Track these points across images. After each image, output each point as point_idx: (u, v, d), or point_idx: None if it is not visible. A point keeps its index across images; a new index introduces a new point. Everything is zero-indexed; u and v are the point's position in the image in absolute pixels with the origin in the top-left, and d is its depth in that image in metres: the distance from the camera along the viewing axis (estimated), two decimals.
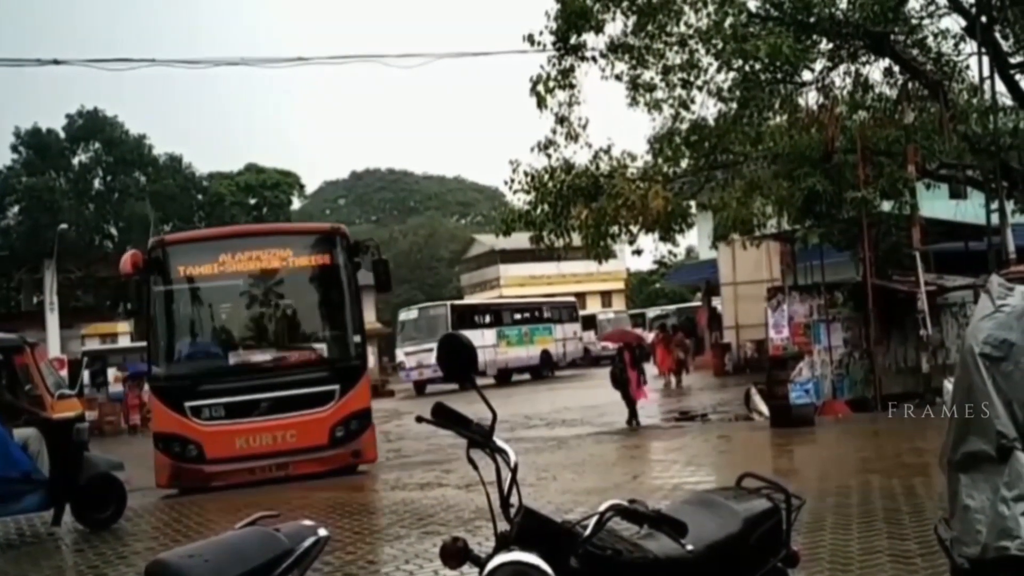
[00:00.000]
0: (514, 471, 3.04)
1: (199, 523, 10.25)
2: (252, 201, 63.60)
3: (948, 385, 4.94)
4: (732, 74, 18.97)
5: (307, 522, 3.66)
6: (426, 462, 13.90)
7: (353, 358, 13.54)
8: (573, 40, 19.05)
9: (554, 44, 19.06)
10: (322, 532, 3.59)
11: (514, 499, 3.03)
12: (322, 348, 13.65)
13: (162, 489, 12.81)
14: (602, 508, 3.07)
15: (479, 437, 3.14)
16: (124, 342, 40.10)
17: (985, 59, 18.18)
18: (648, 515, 3.07)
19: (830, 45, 19.62)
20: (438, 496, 10.40)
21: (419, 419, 3.37)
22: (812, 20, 18.09)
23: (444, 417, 3.19)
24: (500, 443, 3.12)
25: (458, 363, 3.29)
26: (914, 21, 20.17)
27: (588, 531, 3.00)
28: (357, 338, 13.67)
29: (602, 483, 11.05)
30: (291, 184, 65.65)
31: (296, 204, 69.16)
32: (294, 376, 12.96)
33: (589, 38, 19.15)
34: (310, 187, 73.80)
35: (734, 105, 19.16)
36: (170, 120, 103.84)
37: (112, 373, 34.97)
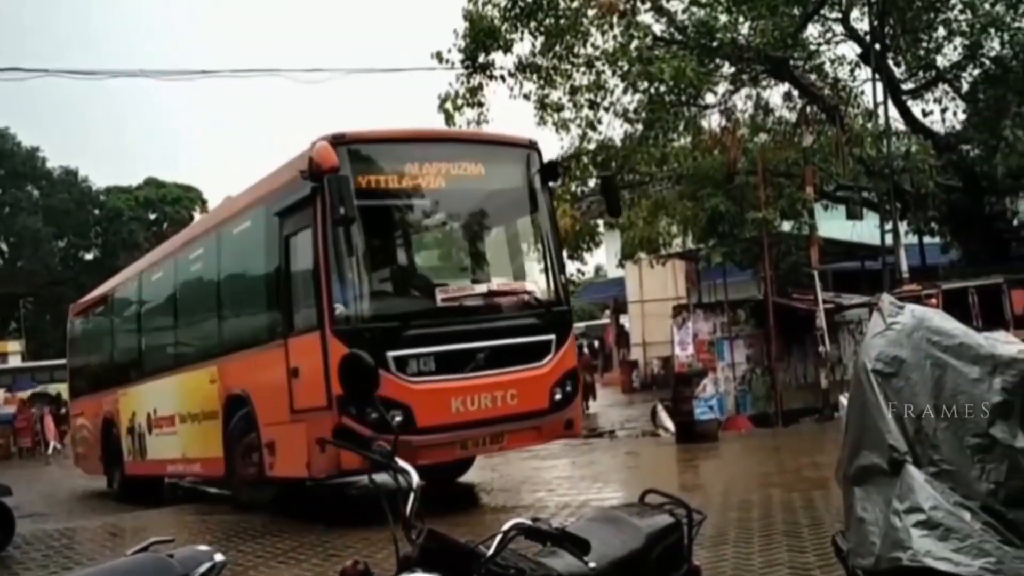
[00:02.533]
0: (416, 492, 3.01)
1: (92, 549, 9.88)
2: (152, 216, 62.08)
3: (843, 400, 5.07)
4: (638, 96, 19.36)
5: (203, 547, 3.56)
6: (347, 483, 13.62)
7: (563, 302, 11.11)
8: (481, 59, 19.23)
9: (462, 62, 19.21)
10: (219, 557, 3.49)
11: (415, 521, 2.99)
12: (534, 288, 10.90)
13: (319, 476, 10.28)
14: (505, 527, 3.05)
15: (381, 458, 3.11)
16: (15, 362, 38.61)
17: (879, 85, 18.88)
18: (551, 533, 3.06)
19: (732, 69, 20.17)
20: (347, 517, 10.23)
21: (319, 441, 3.30)
22: (715, 44, 18.55)
23: (345, 439, 3.14)
24: (402, 464, 3.09)
25: (360, 384, 3.25)
26: (812, 47, 20.89)
27: (491, 551, 2.97)
28: (563, 278, 11.40)
29: (509, 502, 11.03)
30: (193, 199, 64.23)
31: (198, 218, 67.72)
32: (510, 321, 10.31)
33: (497, 57, 19.38)
34: (213, 202, 72.46)
35: (640, 126, 19.55)
36: (65, 132, 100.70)
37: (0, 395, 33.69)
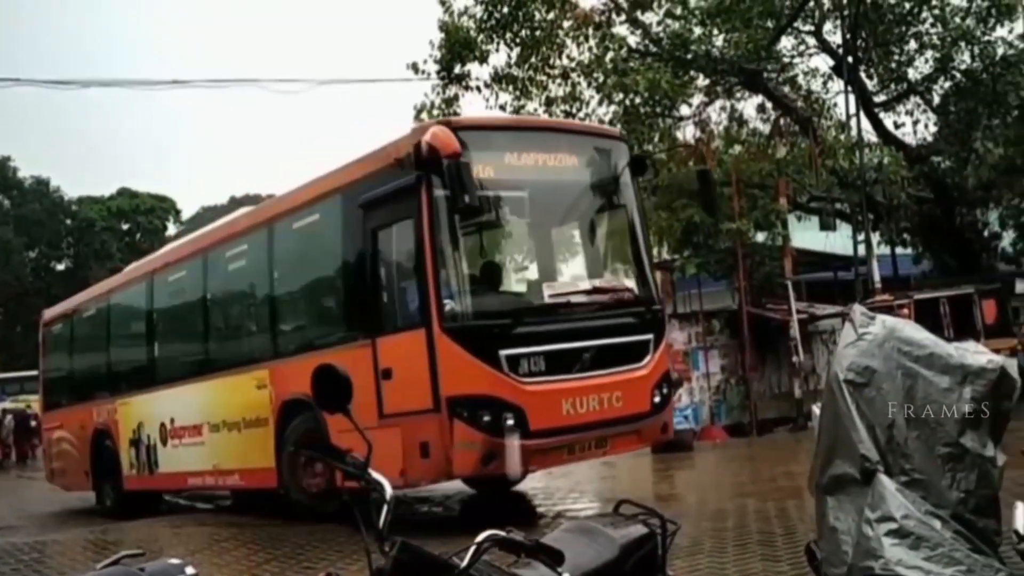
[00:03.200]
0: (390, 503, 3.00)
1: (62, 564, 9.77)
2: (125, 227, 61.53)
3: (816, 410, 5.10)
4: (613, 107, 19.47)
5: (174, 560, 3.52)
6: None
7: (658, 300, 10.59)
8: (457, 69, 19.25)
9: (438, 73, 19.23)
10: (190, 570, 3.45)
11: (388, 532, 2.98)
12: (632, 285, 10.34)
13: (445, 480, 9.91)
14: (479, 539, 3.04)
15: (354, 469, 3.10)
16: None
17: (851, 97, 19.07)
18: (525, 544, 3.05)
19: (707, 81, 20.32)
20: (320, 528, 10.16)
21: (292, 452, 3.29)
22: (689, 57, 18.69)
23: (318, 450, 3.13)
24: (376, 475, 3.08)
25: (334, 393, 3.24)
26: (786, 60, 21.11)
27: (465, 562, 2.96)
28: (657, 276, 10.94)
29: (483, 513, 11.00)
30: (167, 209, 63.75)
31: (172, 230, 67.28)
32: (613, 320, 9.73)
33: (473, 68, 19.41)
34: (187, 212, 71.88)
35: None
36: (37, 142, 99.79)
37: None
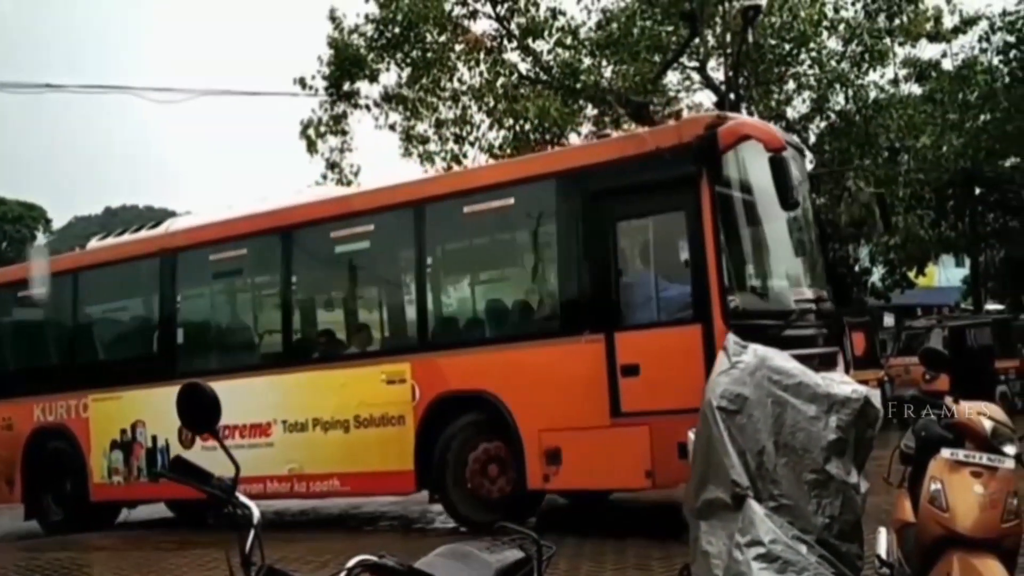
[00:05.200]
0: (257, 527, 2.91)
1: None
2: None
3: (691, 436, 5.19)
4: (503, 132, 19.58)
5: None
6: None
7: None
8: (346, 87, 19.09)
9: (327, 89, 19.03)
10: None
11: (256, 557, 2.89)
12: (825, 294, 10.03)
13: None
14: (350, 564, 2.98)
15: (220, 492, 2.99)
16: None
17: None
18: (397, 570, 3.01)
19: (595, 111, 20.65)
20: (190, 554, 9.83)
21: (153, 474, 3.17)
22: (579, 86, 18.99)
23: (182, 471, 3.01)
24: (243, 499, 2.98)
25: (199, 414, 3.12)
26: (671, 93, 21.65)
27: None
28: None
29: (360, 539, 10.79)
30: (36, 218, 61.15)
31: (42, 239, 64.49)
32: (825, 329, 9.50)
33: (363, 86, 19.29)
34: (58, 222, 69.22)
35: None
36: None
37: None
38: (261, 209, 11.83)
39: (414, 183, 11.71)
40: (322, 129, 19.22)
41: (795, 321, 8.85)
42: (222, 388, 9.68)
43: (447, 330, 10.47)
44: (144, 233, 12.88)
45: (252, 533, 2.90)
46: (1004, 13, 20.75)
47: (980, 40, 21.25)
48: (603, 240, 9.10)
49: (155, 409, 11.38)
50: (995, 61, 21.13)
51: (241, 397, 10.76)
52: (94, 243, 13.61)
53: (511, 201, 9.90)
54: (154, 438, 11.71)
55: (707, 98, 21.90)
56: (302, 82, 18.89)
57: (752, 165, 8.86)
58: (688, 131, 8.74)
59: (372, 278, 11.61)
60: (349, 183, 19.19)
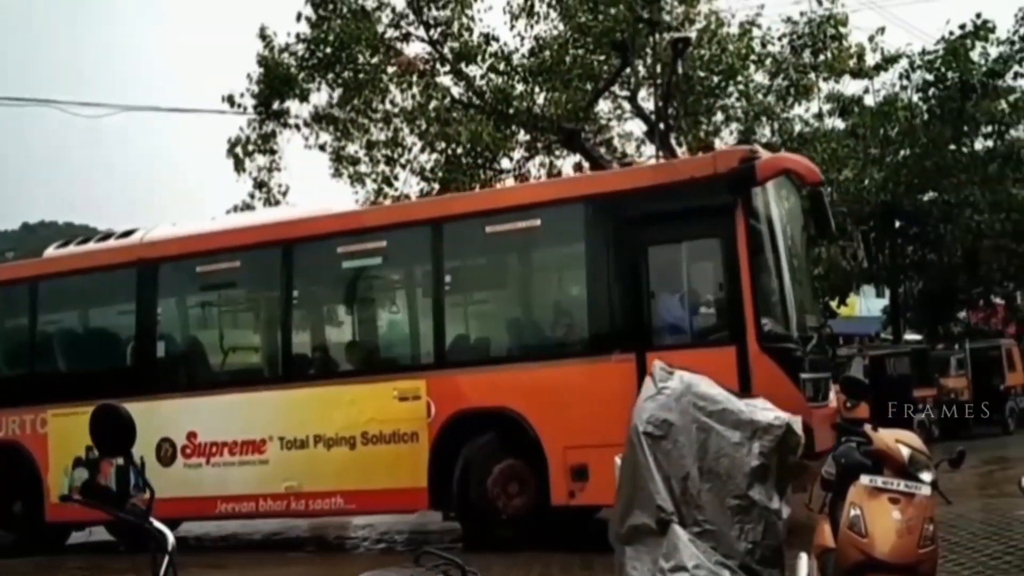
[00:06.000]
0: (171, 553, 2.83)
1: None
2: None
3: (618, 461, 5.21)
4: (435, 155, 19.57)
5: None
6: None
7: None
8: (276, 106, 18.89)
9: (255, 108, 18.80)
10: None
11: None
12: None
13: None
14: None
15: (134, 518, 2.91)
16: None
17: (662, 162, 19.92)
18: None
19: (527, 136, 20.76)
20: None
21: (63, 498, 3.07)
22: (511, 112, 19.06)
23: (93, 495, 2.91)
24: (157, 524, 2.91)
25: (114, 437, 3.03)
26: (603, 122, 21.88)
27: None
28: None
29: (284, 566, 10.57)
30: None
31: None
32: (826, 352, 10.24)
33: (293, 105, 19.10)
34: None
35: (436, 185, 19.71)
36: None
37: None
38: (260, 221, 11.74)
39: (434, 201, 12.11)
40: (250, 148, 18.98)
41: (813, 345, 9.47)
42: (209, 404, 9.83)
43: (467, 348, 10.48)
44: (115, 242, 12.33)
45: (167, 559, 2.83)
46: (923, 52, 21.47)
47: (901, 77, 21.94)
48: (635, 263, 9.41)
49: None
50: (915, 98, 21.83)
51: (231, 413, 10.82)
52: (52, 251, 12.93)
53: (537, 222, 10.09)
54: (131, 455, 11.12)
55: (637, 128, 22.21)
56: (230, 100, 18.65)
57: (775, 197, 9.38)
58: (723, 163, 9.20)
59: (384, 295, 11.57)
60: (277, 203, 18.98)
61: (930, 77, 21.11)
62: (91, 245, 12.53)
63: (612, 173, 10.16)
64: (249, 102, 18.82)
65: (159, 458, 10.94)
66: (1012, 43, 20.98)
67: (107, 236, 12.65)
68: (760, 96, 20.59)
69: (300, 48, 18.65)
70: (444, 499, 9.93)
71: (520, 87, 19.47)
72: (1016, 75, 21.58)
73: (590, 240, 9.85)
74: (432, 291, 10.51)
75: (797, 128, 20.67)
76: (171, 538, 2.87)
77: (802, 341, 9.30)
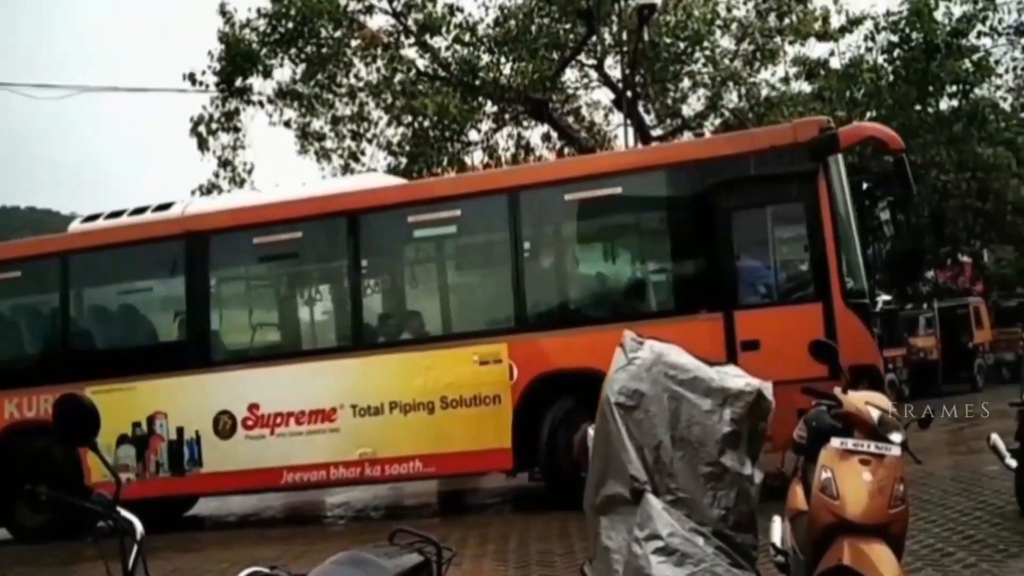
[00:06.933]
0: (140, 543, 2.81)
1: None
2: None
3: (591, 432, 5.22)
4: (401, 129, 19.43)
5: None
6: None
7: None
8: (238, 83, 18.64)
9: (218, 85, 18.54)
10: None
11: (140, 573, 2.80)
12: None
13: None
14: (241, 575, 2.91)
15: (101, 508, 2.88)
16: None
17: (631, 131, 19.93)
18: None
19: (495, 108, 20.66)
20: (70, 570, 9.48)
21: (27, 492, 3.04)
22: (478, 83, 18.96)
23: (57, 487, 2.89)
24: (125, 513, 2.88)
25: (77, 426, 3.00)
26: (570, 91, 21.80)
27: None
28: None
29: (258, 546, 10.53)
30: None
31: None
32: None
33: (256, 82, 18.87)
34: None
35: (404, 159, 19.60)
36: None
37: None
38: (321, 192, 11.97)
39: (512, 170, 13.10)
40: (213, 126, 18.72)
41: (878, 304, 10.10)
42: (273, 375, 10.15)
43: (550, 311, 10.88)
44: (153, 215, 12.15)
45: (135, 548, 2.81)
46: (888, 14, 21.50)
47: (866, 39, 21.98)
48: (720, 227, 9.96)
49: (181, 400, 11.17)
50: (880, 60, 21.89)
51: (297, 383, 10.90)
52: (78, 225, 12.67)
53: (619, 189, 10.55)
54: (179, 430, 11.20)
55: (605, 96, 22.15)
56: (192, 78, 18.37)
57: (842, 164, 10.05)
58: (802, 132, 9.86)
59: (458, 263, 11.89)
60: (242, 181, 18.81)
61: (895, 38, 21.16)
62: (125, 219, 12.31)
63: (692, 143, 11.65)
64: (211, 80, 18.57)
65: (217, 431, 11.06)
66: (975, 1, 21.05)
67: (141, 210, 12.42)
68: (727, 61, 20.59)
69: (261, 23, 18.41)
70: (526, 460, 10.42)
71: (486, 58, 19.37)
72: (979, 34, 21.70)
73: (674, 205, 10.51)
74: (511, 257, 10.77)
75: (764, 92, 20.70)
76: (139, 527, 2.85)
77: (873, 297, 10.33)
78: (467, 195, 11.16)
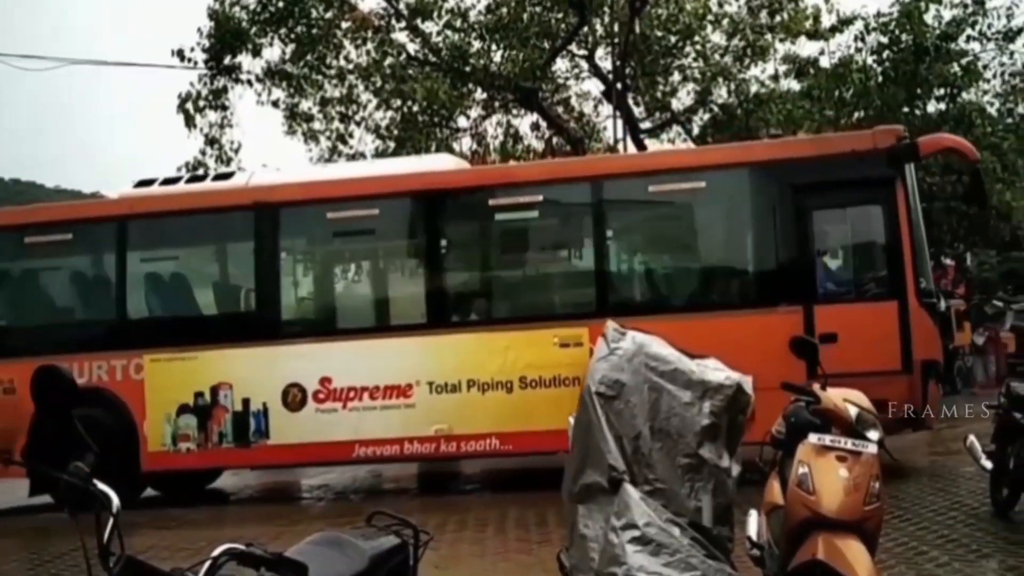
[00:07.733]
0: (116, 516, 2.78)
1: None
2: None
3: (571, 421, 5.24)
4: (390, 113, 19.36)
5: None
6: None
7: None
8: (227, 61, 18.50)
9: (206, 62, 18.40)
10: None
11: (116, 547, 2.77)
12: None
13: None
14: (215, 552, 2.89)
15: (77, 480, 2.85)
16: None
17: (619, 122, 19.93)
18: (266, 558, 2.92)
19: (484, 95, 20.60)
20: (43, 544, 9.41)
21: (4, 462, 3.01)
22: (468, 69, 18.89)
23: (36, 457, 2.87)
24: (101, 486, 2.85)
25: (55, 398, 2.98)
26: (560, 81, 21.76)
27: None
28: None
29: (236, 526, 10.52)
30: None
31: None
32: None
33: (245, 60, 18.73)
34: None
35: (392, 143, 19.53)
36: None
37: None
38: (398, 171, 12.00)
39: (596, 160, 13.90)
40: (201, 104, 18.57)
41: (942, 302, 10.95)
42: (347, 349, 10.38)
43: (631, 298, 11.39)
44: (216, 184, 12.23)
45: (111, 522, 2.78)
46: (878, 14, 21.52)
47: (856, 40, 22.00)
48: (799, 224, 10.47)
49: (248, 371, 11.18)
50: (869, 60, 21.92)
51: (373, 359, 11.05)
52: (131, 190, 12.35)
53: (703, 184, 10.91)
54: (245, 401, 11.18)
55: (595, 87, 22.13)
56: (180, 54, 18.18)
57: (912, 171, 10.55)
58: (882, 139, 10.40)
59: (540, 246, 12.08)
60: (229, 160, 18.68)
61: (884, 39, 21.15)
62: (183, 186, 12.21)
63: (775, 143, 11.96)
64: (200, 56, 18.40)
65: (285, 403, 11.09)
66: (965, 6, 21.08)
67: (198, 178, 12.52)
68: (717, 57, 20.58)
69: (252, 1, 18.24)
70: None
71: (477, 44, 19.30)
72: (968, 38, 21.77)
73: (756, 202, 10.86)
74: (594, 244, 11.17)
75: (753, 89, 20.69)
76: (116, 500, 2.82)
77: (939, 297, 10.88)
78: (552, 180, 11.47)
